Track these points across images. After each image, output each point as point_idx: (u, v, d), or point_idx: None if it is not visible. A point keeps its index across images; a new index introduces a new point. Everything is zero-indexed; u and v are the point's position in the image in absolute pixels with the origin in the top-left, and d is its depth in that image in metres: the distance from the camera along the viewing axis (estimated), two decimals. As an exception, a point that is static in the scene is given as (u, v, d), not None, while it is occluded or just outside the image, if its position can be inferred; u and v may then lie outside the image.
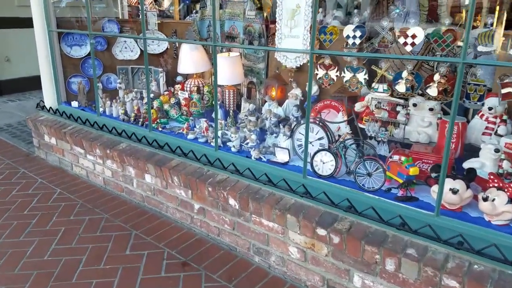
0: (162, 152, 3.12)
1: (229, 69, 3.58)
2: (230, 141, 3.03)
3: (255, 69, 3.82)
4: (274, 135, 3.05)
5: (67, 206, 3.31)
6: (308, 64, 2.33)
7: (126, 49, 4.44)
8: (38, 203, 3.38)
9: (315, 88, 3.25)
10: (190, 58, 3.86)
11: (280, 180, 2.47)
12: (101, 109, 3.99)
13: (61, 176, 3.89)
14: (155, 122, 3.53)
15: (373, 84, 2.63)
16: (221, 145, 3.02)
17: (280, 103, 3.43)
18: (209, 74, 4.23)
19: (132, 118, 3.63)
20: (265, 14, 3.45)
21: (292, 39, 2.40)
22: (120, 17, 4.96)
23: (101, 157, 3.54)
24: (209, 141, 3.08)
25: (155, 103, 3.77)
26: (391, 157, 2.36)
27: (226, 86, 3.69)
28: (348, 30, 2.53)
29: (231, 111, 3.55)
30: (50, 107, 4.15)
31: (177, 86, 4.15)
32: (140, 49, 4.41)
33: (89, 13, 3.49)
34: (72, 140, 3.72)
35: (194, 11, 4.43)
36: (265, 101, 3.58)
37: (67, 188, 3.64)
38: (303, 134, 2.69)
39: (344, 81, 2.63)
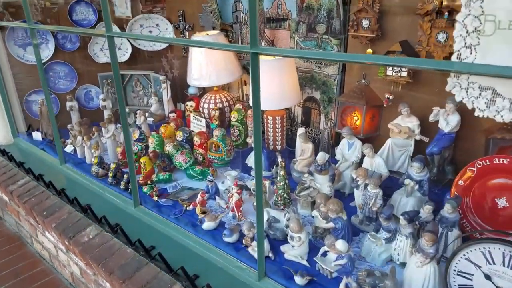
0: (154, 265, 1.60)
1: (275, 83, 1.97)
2: (286, 238, 1.48)
3: (319, 77, 2.18)
4: (384, 235, 1.45)
5: None
6: None
7: (111, 46, 2.89)
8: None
9: (455, 119, 1.61)
10: (205, 62, 2.27)
11: None
12: (70, 148, 2.51)
13: (15, 257, 2.46)
14: (148, 183, 1.99)
15: None
16: (269, 254, 1.46)
17: (371, 142, 1.79)
18: (238, 84, 2.62)
19: (110, 174, 2.11)
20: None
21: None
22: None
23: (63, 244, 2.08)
24: (244, 243, 1.52)
25: (151, 142, 2.22)
26: None
27: (268, 110, 2.11)
28: None
29: (278, 154, 1.95)
30: (-3, 145, 2.71)
31: (189, 104, 2.59)
32: (132, 45, 2.85)
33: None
34: (21, 206, 2.27)
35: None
36: (341, 137, 1.95)
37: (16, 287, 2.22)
38: (475, 264, 1.08)
39: None
